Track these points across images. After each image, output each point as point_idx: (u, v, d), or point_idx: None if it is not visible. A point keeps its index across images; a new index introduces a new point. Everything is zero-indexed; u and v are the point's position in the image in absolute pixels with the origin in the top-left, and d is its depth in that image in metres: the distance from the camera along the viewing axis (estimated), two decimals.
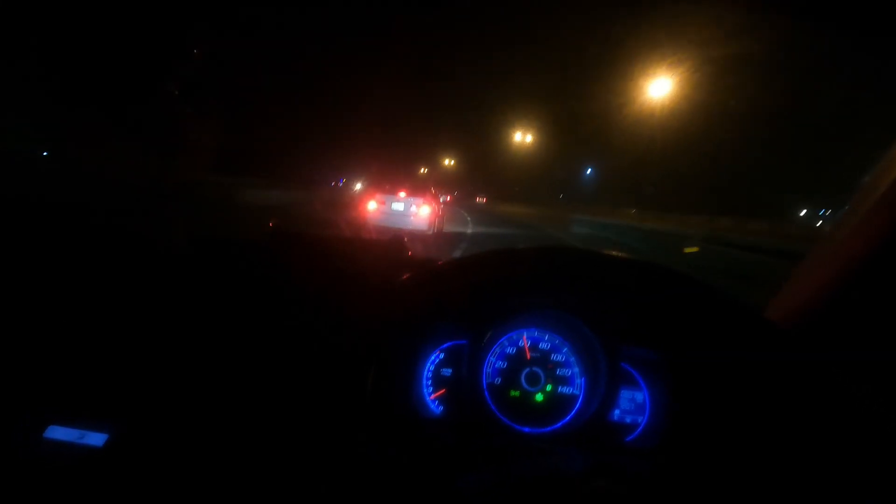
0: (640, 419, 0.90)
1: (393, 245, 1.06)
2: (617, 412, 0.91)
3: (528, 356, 0.93)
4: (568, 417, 0.89)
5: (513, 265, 0.94)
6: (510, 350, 0.94)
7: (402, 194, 10.04)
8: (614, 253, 0.88)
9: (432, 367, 0.94)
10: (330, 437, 0.78)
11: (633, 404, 0.91)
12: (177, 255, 1.01)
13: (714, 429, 0.78)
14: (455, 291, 0.94)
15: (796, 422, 0.67)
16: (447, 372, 0.94)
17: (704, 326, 0.76)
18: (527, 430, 0.88)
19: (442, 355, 0.95)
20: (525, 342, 0.93)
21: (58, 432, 0.71)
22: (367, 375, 0.87)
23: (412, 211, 9.76)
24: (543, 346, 0.94)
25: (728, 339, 0.72)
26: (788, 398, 0.67)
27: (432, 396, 0.93)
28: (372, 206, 10.04)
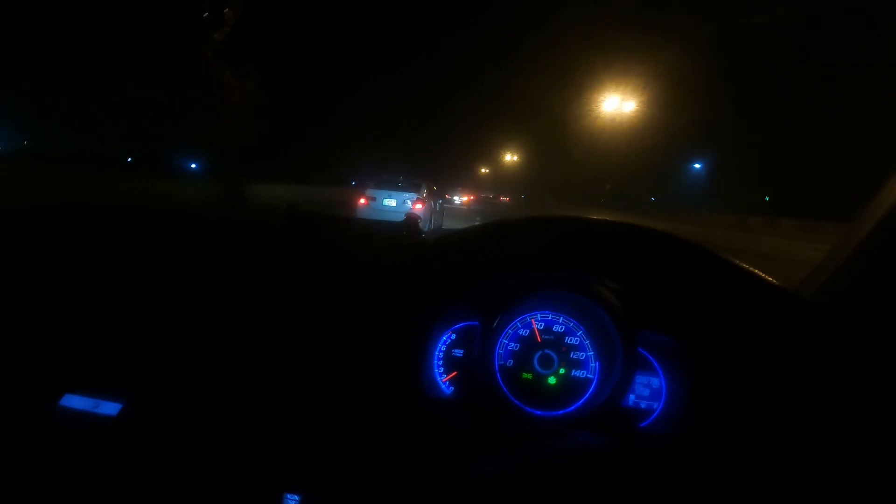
0: (655, 405, 0.89)
1: (407, 225, 1.04)
2: (632, 397, 0.90)
3: (539, 339, 0.92)
4: (581, 401, 0.88)
5: (526, 241, 0.92)
6: (523, 332, 0.93)
7: (395, 190, 9.98)
8: (632, 223, 0.83)
9: (443, 348, 0.93)
10: (340, 416, 0.77)
11: (648, 390, 0.90)
12: (198, 233, 0.99)
13: (733, 415, 0.76)
14: (466, 270, 0.93)
15: (817, 410, 0.65)
16: (459, 353, 0.93)
17: (729, 309, 0.73)
18: (539, 413, 0.87)
19: (454, 336, 0.94)
20: (535, 325, 0.92)
21: (73, 401, 0.69)
22: (377, 355, 0.86)
23: (406, 207, 9.65)
24: (557, 328, 0.93)
25: (754, 324, 0.70)
26: (809, 386, 0.66)
27: (444, 379, 0.92)
28: (362, 201, 9.99)
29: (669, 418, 0.88)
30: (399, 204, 9.76)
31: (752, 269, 0.68)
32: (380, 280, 0.92)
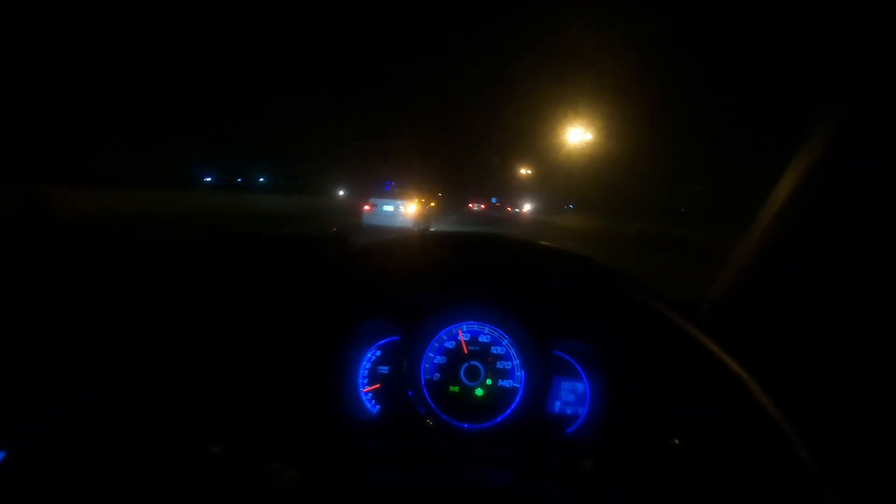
0: (580, 410, 0.84)
1: (331, 241, 0.97)
2: (558, 404, 0.84)
3: (466, 350, 0.85)
4: (507, 412, 0.82)
5: (446, 255, 0.87)
6: (449, 344, 0.86)
7: (392, 198, 11.86)
8: (546, 244, 0.82)
9: (368, 365, 0.87)
10: (251, 447, 0.71)
11: (573, 395, 0.84)
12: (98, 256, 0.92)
13: (644, 417, 0.73)
14: (384, 284, 0.87)
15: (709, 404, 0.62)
16: (384, 369, 0.86)
17: (627, 319, 0.72)
18: (466, 426, 0.81)
19: (378, 352, 0.87)
20: (461, 336, 0.86)
21: None
22: (293, 376, 0.79)
23: (400, 211, 11.53)
24: (483, 338, 0.87)
25: (646, 330, 0.67)
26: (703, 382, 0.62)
27: (365, 390, 0.86)
28: (367, 207, 12.03)
29: (593, 423, 0.82)
30: (395, 209, 11.58)
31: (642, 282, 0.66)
32: (296, 297, 0.85)
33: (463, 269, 0.86)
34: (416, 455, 0.74)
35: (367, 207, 11.87)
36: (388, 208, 11.59)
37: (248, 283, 0.89)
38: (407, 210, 11.60)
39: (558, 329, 0.83)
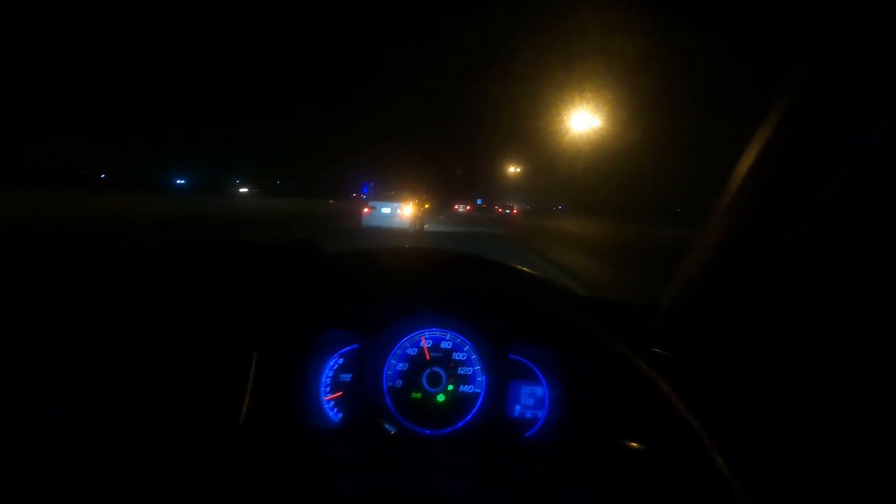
0: (539, 414, 0.84)
1: (301, 247, 0.96)
2: (518, 408, 0.85)
3: (428, 357, 0.86)
4: (468, 417, 0.82)
5: (405, 266, 0.88)
6: (411, 351, 0.87)
7: (389, 201, 12.57)
8: (500, 261, 0.85)
9: (331, 373, 0.87)
10: (214, 455, 0.71)
11: (532, 399, 0.85)
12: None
13: (600, 420, 0.74)
14: (346, 293, 0.88)
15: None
16: (346, 377, 0.86)
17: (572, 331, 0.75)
18: (428, 432, 0.81)
19: (341, 360, 0.87)
20: (424, 343, 0.86)
21: None
22: (253, 386, 0.79)
23: (397, 213, 12.22)
24: (445, 345, 0.87)
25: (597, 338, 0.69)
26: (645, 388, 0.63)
27: (328, 398, 0.86)
28: (366, 210, 12.87)
29: (552, 426, 0.83)
30: (392, 211, 12.28)
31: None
32: (260, 305, 0.85)
33: (425, 278, 0.87)
34: (378, 462, 0.74)
35: (366, 210, 12.78)
36: (386, 210, 12.31)
37: (214, 289, 0.89)
38: (403, 212, 12.37)
39: (516, 334, 0.83)
